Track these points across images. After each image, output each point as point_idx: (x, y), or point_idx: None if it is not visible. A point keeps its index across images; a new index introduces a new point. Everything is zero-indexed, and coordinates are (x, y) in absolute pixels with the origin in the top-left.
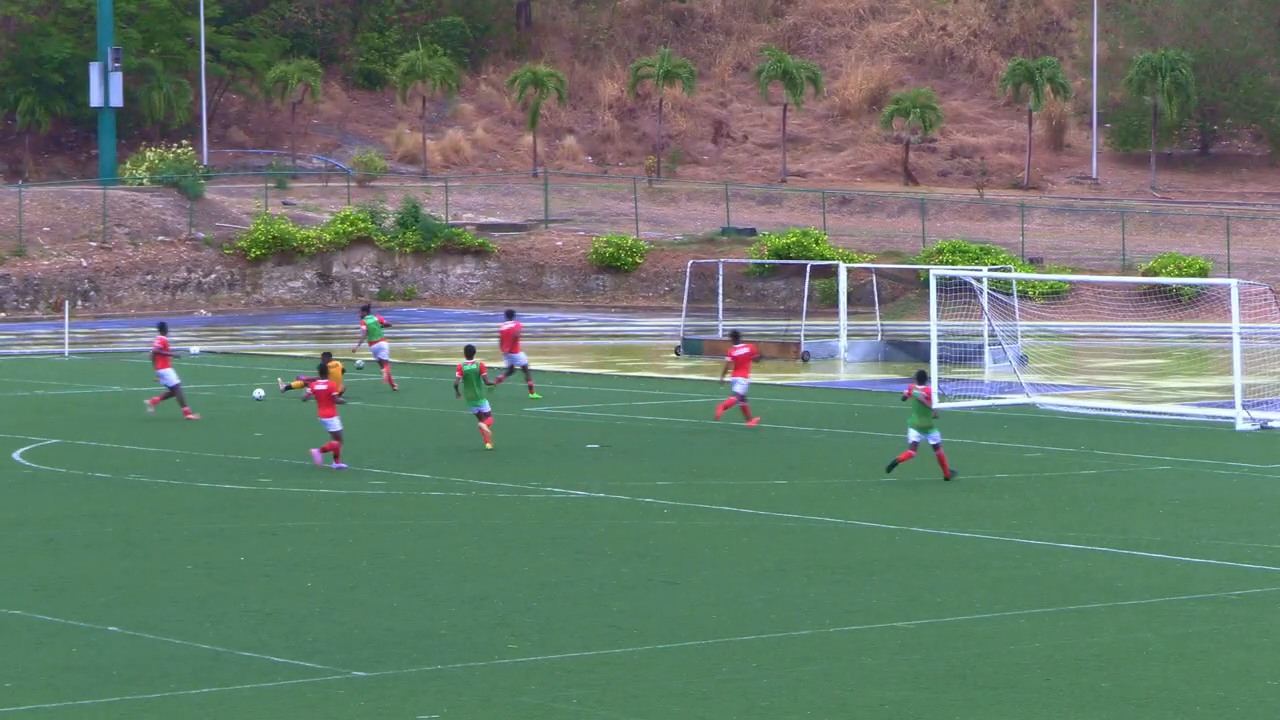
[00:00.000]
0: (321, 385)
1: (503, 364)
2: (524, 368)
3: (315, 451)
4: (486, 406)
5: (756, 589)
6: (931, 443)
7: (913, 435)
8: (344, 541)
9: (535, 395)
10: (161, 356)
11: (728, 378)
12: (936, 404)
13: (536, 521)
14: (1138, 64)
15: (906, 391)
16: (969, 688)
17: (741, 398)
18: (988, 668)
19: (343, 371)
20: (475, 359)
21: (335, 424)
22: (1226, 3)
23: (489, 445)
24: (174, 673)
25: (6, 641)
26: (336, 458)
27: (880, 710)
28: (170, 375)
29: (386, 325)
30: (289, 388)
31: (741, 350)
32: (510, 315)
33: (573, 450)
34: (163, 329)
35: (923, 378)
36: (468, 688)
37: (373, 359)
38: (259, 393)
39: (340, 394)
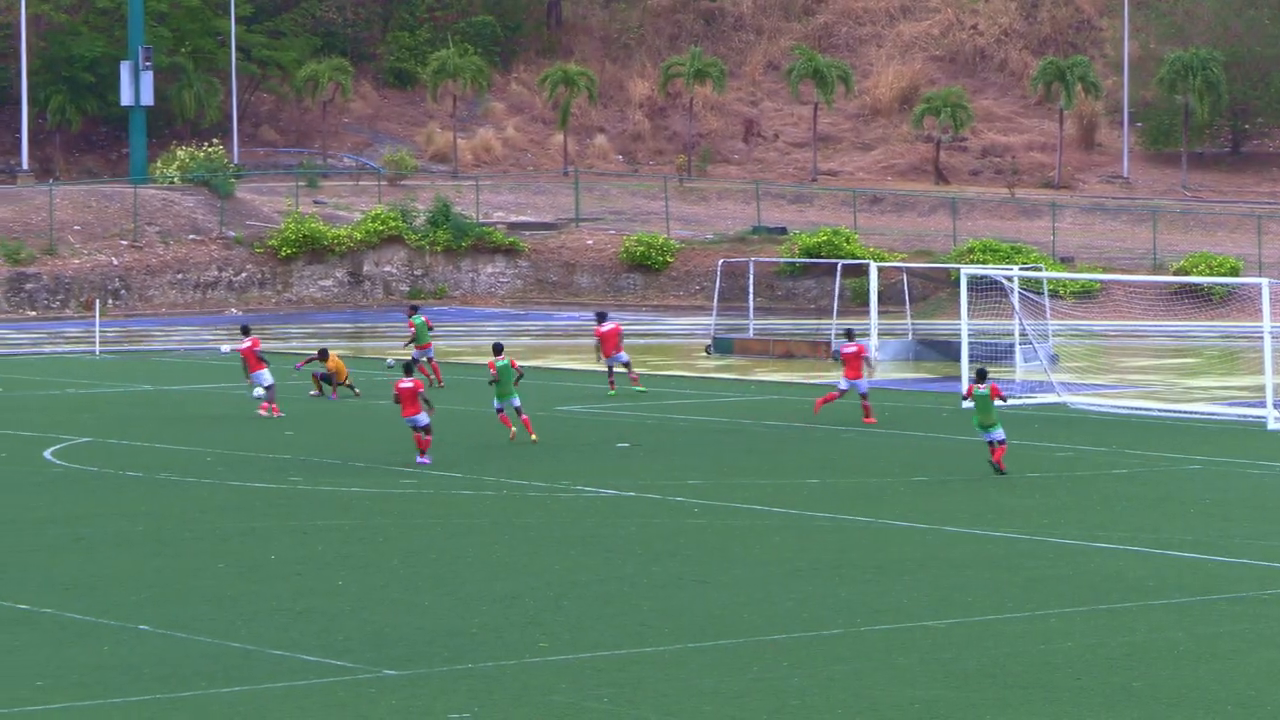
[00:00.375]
0: (407, 384)
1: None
2: (626, 364)
3: (422, 459)
4: (517, 401)
5: (787, 588)
6: (994, 439)
7: (998, 433)
8: (375, 540)
9: (641, 388)
10: (255, 358)
11: (843, 382)
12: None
13: (567, 520)
14: (1169, 63)
15: (967, 391)
16: (1000, 687)
17: (862, 395)
18: (1019, 667)
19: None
20: (505, 355)
21: (422, 419)
22: (1258, 2)
23: (533, 437)
24: (205, 671)
25: (38, 640)
26: (422, 452)
27: (911, 709)
28: (265, 376)
29: (430, 327)
30: (324, 386)
31: (850, 348)
32: (603, 317)
33: (603, 449)
34: (246, 331)
35: (982, 375)
36: (499, 686)
37: (409, 360)
38: (258, 391)
39: (347, 382)
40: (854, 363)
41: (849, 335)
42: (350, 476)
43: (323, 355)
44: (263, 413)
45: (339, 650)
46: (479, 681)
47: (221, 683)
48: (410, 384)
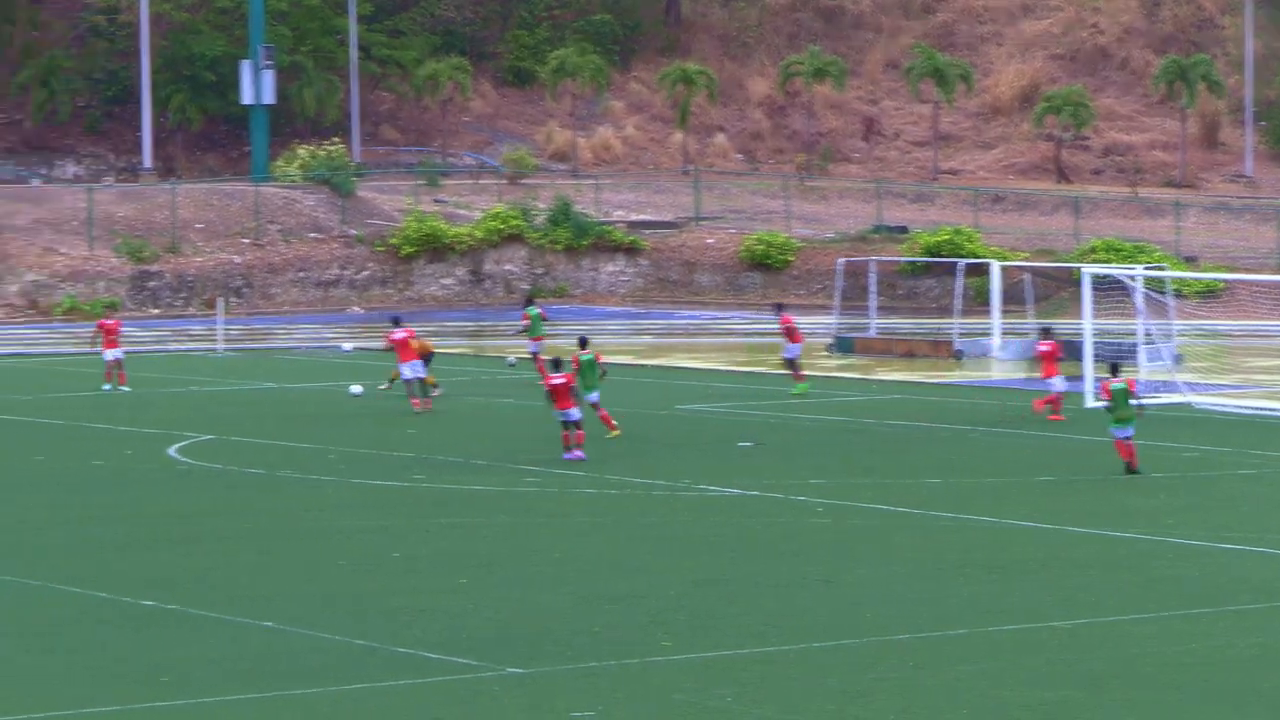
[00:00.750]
0: (559, 379)
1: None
2: (791, 360)
3: (576, 453)
4: (595, 396)
5: (911, 588)
6: (1127, 435)
7: (1130, 429)
8: (498, 538)
9: (803, 387)
10: (407, 347)
11: (1058, 381)
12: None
13: (690, 519)
14: None
15: (1103, 389)
16: (1128, 687)
17: (1058, 394)
18: (1147, 667)
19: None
20: (590, 349)
21: (575, 414)
22: None
23: (616, 432)
24: (329, 668)
25: (162, 636)
26: (569, 447)
27: (1039, 710)
28: (419, 366)
29: (544, 319)
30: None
31: (1044, 347)
32: (780, 308)
33: (726, 448)
34: (398, 321)
35: (1115, 369)
36: (622, 685)
37: (526, 357)
38: (356, 388)
39: (430, 356)
40: (1049, 360)
41: (1046, 333)
42: (473, 475)
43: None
44: (416, 406)
45: (462, 648)
46: (602, 680)
47: (345, 680)
48: (562, 379)
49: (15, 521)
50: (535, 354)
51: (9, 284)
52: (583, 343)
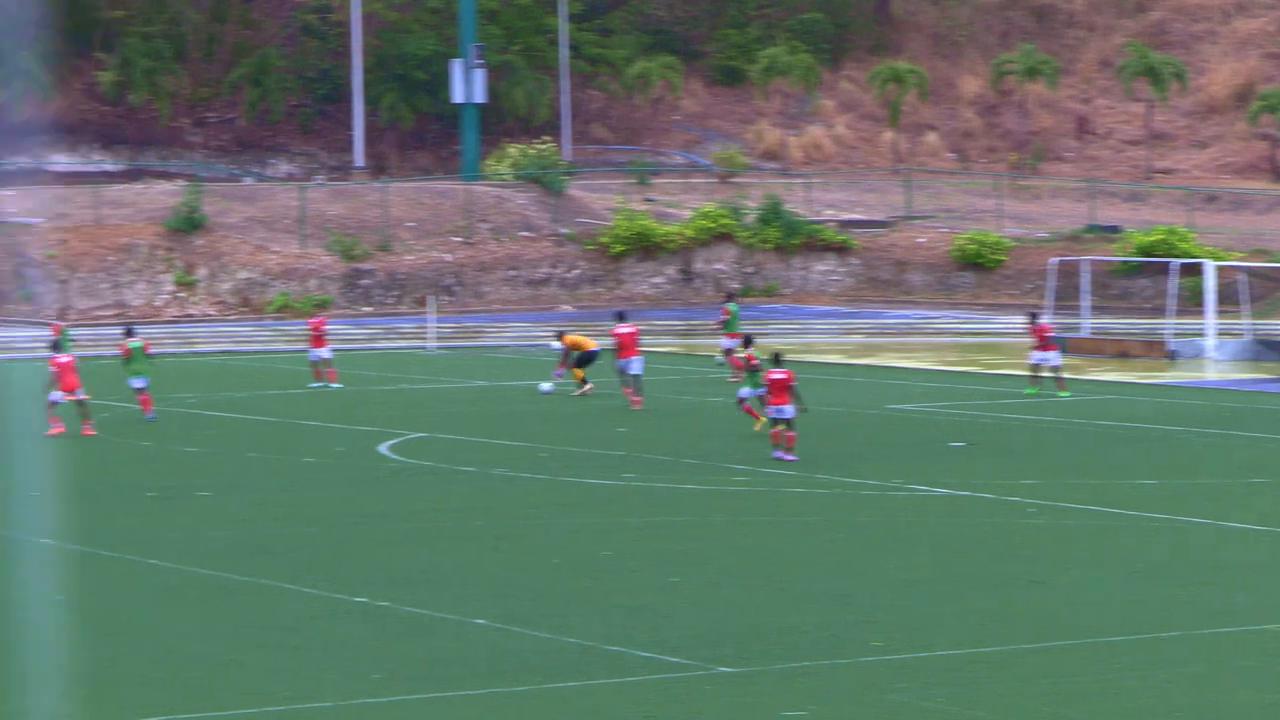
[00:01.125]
0: (779, 374)
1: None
2: (1054, 368)
3: (787, 455)
4: (745, 391)
5: (1124, 589)
6: None
7: None
8: (708, 537)
9: (1065, 393)
10: (629, 343)
11: None
12: None
13: (900, 519)
14: None
15: None
16: None
17: None
18: None
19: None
20: (751, 347)
21: (788, 411)
22: None
23: (762, 422)
24: (540, 666)
25: (375, 632)
26: (778, 445)
27: (1256, 714)
28: (636, 364)
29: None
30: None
31: None
32: (1034, 316)
33: (937, 448)
34: (622, 317)
35: None
36: (834, 685)
37: (725, 351)
38: (546, 386)
39: (595, 352)
40: None
41: None
42: (684, 473)
43: (559, 334)
44: (637, 407)
45: (673, 647)
46: (813, 680)
47: (556, 678)
48: (782, 374)
49: (227, 519)
50: (730, 351)
51: (222, 281)
52: (747, 341)
